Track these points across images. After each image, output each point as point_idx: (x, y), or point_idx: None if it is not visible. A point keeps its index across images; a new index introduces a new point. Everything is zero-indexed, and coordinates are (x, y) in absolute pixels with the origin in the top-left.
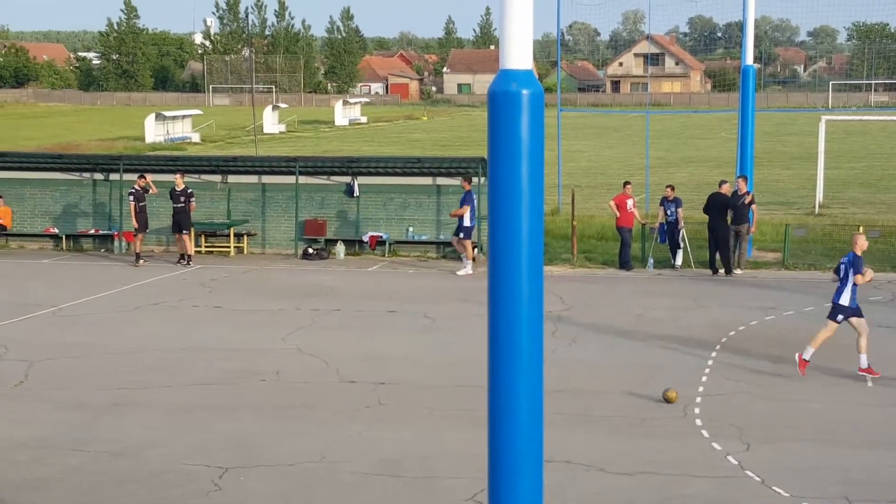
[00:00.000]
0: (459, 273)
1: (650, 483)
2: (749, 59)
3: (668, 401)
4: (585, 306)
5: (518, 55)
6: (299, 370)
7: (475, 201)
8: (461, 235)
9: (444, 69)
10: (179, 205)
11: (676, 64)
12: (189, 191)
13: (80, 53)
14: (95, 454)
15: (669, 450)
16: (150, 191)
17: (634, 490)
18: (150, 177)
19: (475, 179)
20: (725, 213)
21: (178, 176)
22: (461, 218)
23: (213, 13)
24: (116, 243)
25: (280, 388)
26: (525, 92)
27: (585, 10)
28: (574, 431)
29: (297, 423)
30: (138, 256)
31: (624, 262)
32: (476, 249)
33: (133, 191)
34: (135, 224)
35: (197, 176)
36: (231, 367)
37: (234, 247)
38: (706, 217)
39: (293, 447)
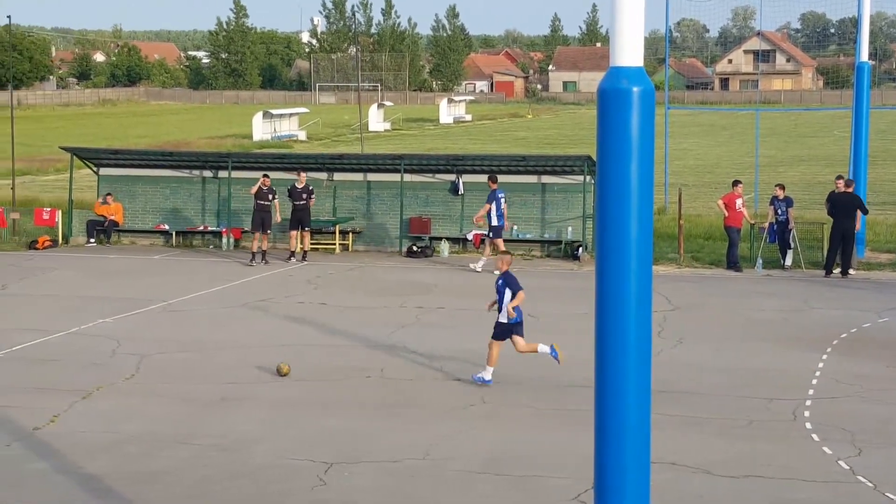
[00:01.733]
0: (475, 267)
1: (758, 487)
2: (864, 55)
3: (279, 373)
4: (692, 307)
5: (629, 52)
6: (403, 367)
7: (500, 200)
8: (490, 235)
9: (550, 67)
10: (301, 202)
11: (787, 61)
12: (310, 188)
13: (190, 52)
14: (203, 448)
15: (778, 453)
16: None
17: (741, 493)
18: (253, 174)
19: (581, 178)
20: (852, 211)
21: (300, 174)
22: (489, 217)
23: (320, 12)
24: (225, 240)
25: (384, 384)
26: (636, 89)
27: (694, 6)
28: (680, 433)
29: (401, 420)
30: (254, 256)
31: (732, 263)
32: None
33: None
34: (277, 220)
35: (304, 173)
36: (336, 363)
37: (340, 244)
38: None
39: (397, 444)
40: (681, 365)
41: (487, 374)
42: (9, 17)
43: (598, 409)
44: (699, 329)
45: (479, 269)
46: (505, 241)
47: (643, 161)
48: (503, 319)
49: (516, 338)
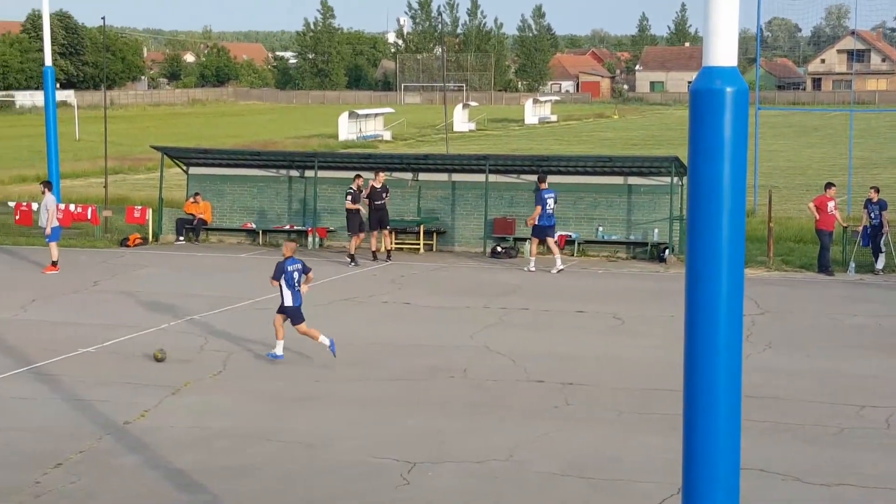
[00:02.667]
0: (528, 268)
1: (850, 496)
2: None
3: (156, 359)
4: (781, 311)
5: (723, 52)
6: (487, 368)
7: (548, 201)
8: (532, 234)
9: (637, 67)
10: (380, 202)
11: (883, 61)
12: (388, 187)
13: (277, 53)
14: (288, 444)
15: (871, 462)
16: (365, 193)
17: (832, 502)
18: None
19: (668, 179)
20: None
21: (378, 174)
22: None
23: (406, 12)
24: (310, 239)
25: (468, 385)
26: (729, 90)
27: (786, 5)
28: (769, 439)
29: (485, 421)
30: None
31: (823, 266)
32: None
33: (350, 191)
34: (364, 218)
35: (388, 173)
36: (420, 363)
37: (424, 244)
38: None
39: (481, 444)
40: (770, 370)
41: (325, 340)
42: (103, 18)
43: (688, 413)
44: (789, 334)
45: (561, 268)
46: (591, 242)
47: (736, 163)
48: (293, 303)
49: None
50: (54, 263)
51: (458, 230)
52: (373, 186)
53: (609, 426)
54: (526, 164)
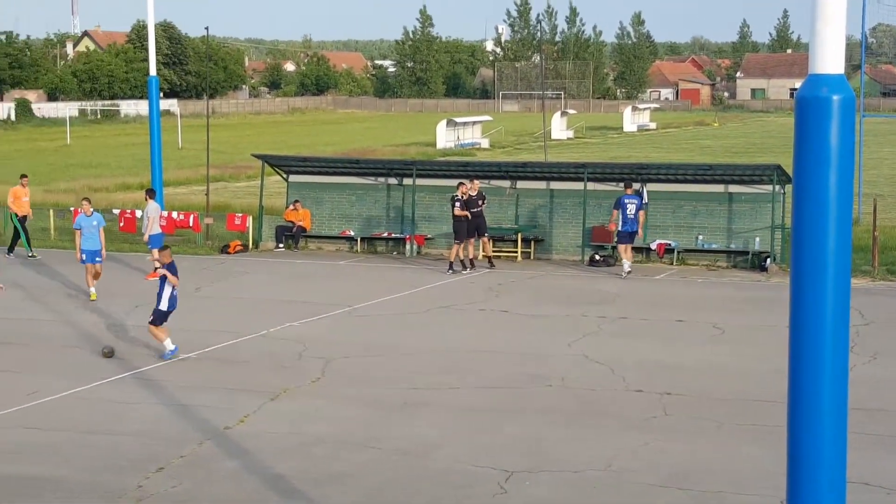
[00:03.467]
0: (624, 275)
1: None
2: None
3: (104, 356)
4: (887, 321)
5: (830, 59)
6: (585, 377)
7: (624, 206)
8: (617, 240)
9: (738, 74)
10: (477, 209)
11: None
12: (484, 194)
13: (376, 61)
14: (386, 451)
15: None
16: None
17: None
18: (436, 182)
19: (770, 188)
20: None
21: (473, 181)
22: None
23: (505, 21)
24: (408, 246)
25: (566, 393)
26: (836, 97)
27: (891, 11)
28: (874, 452)
29: (583, 430)
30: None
31: None
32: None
33: (457, 198)
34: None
35: (486, 181)
36: (518, 371)
37: (522, 252)
38: None
39: (578, 454)
40: (875, 381)
41: (170, 346)
42: (206, 28)
43: (792, 425)
44: (895, 344)
45: (629, 271)
46: (690, 251)
47: (842, 171)
48: (164, 308)
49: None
50: (156, 269)
51: (556, 238)
52: (469, 194)
53: (709, 437)
54: (625, 172)
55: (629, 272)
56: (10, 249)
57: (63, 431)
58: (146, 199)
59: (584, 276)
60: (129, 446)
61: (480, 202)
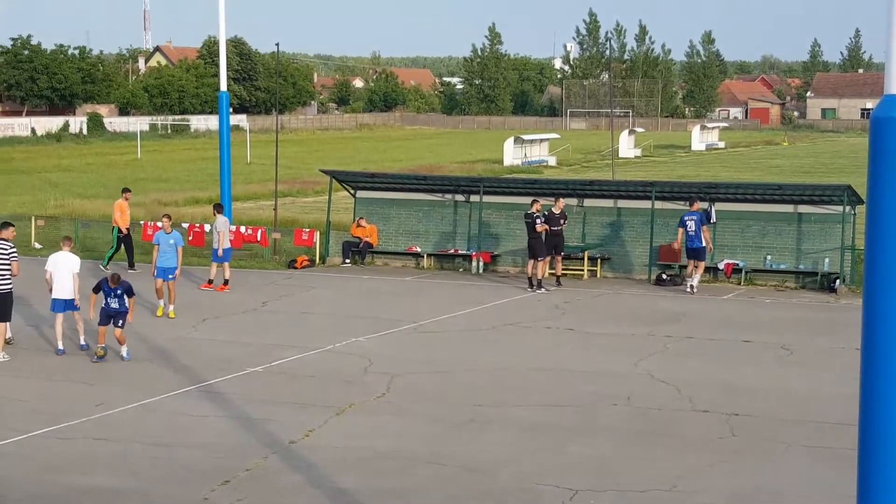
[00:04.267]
0: (690, 290)
1: None
2: None
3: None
4: None
5: None
6: (651, 396)
7: (685, 224)
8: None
9: (808, 93)
10: (557, 227)
11: None
12: (566, 213)
13: (444, 78)
14: (450, 468)
15: None
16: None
17: None
18: (503, 199)
19: (840, 208)
20: None
21: (558, 200)
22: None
23: (574, 38)
24: (474, 263)
25: (632, 413)
26: None
27: None
28: None
29: (649, 450)
30: (531, 282)
31: None
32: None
33: (538, 215)
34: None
35: (552, 199)
36: (583, 389)
37: (588, 270)
38: None
39: (644, 474)
40: None
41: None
42: (276, 44)
43: (863, 449)
44: None
45: (695, 287)
46: (758, 271)
47: None
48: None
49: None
50: (226, 282)
51: (623, 257)
52: (551, 211)
53: (776, 459)
54: (693, 191)
55: (692, 288)
56: (131, 265)
57: (130, 443)
58: (215, 214)
59: (651, 295)
60: (196, 459)
61: (562, 221)
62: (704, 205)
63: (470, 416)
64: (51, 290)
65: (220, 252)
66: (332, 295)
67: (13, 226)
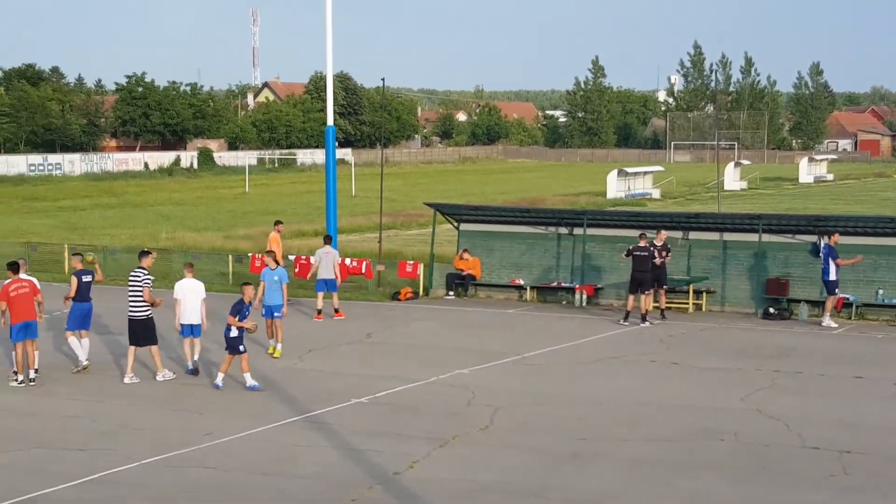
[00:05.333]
0: (827, 324)
1: None
2: None
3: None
4: None
5: None
6: (759, 432)
7: (824, 255)
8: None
9: None
10: (660, 260)
11: None
12: (669, 246)
13: (547, 111)
14: (555, 502)
15: None
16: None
17: None
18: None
19: None
20: None
21: (660, 232)
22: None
23: (678, 71)
24: (577, 296)
25: (739, 449)
26: None
27: None
28: None
29: (758, 487)
30: (628, 315)
31: None
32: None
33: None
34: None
35: (655, 231)
36: (689, 424)
37: (693, 303)
38: None
39: None
40: None
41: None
42: (382, 79)
43: None
44: None
45: (833, 326)
46: (870, 305)
47: None
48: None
49: (228, 353)
50: (336, 310)
51: (729, 290)
52: (654, 244)
53: (890, 498)
54: (801, 224)
55: (828, 327)
56: None
57: (238, 472)
58: (324, 245)
59: (758, 330)
60: (301, 489)
61: (665, 253)
62: (837, 237)
63: (574, 449)
64: (177, 317)
65: (339, 282)
66: (435, 327)
67: (151, 254)
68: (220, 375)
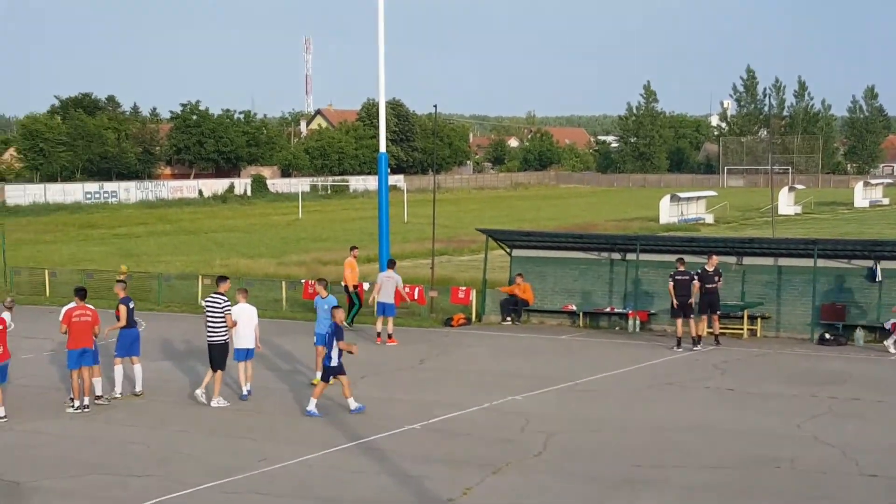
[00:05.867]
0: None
1: None
2: None
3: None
4: None
5: None
6: (815, 459)
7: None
8: None
9: None
10: (712, 285)
11: None
12: (720, 270)
13: (599, 137)
14: None
15: None
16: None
17: None
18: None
19: None
20: None
21: (711, 257)
22: None
23: (731, 95)
24: (630, 322)
25: (796, 476)
26: None
27: None
28: None
29: None
30: (679, 342)
31: None
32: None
33: (697, 273)
34: (675, 304)
35: (707, 257)
36: (745, 450)
37: (748, 329)
38: None
39: None
40: None
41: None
42: (434, 106)
43: None
44: None
45: (892, 351)
46: None
47: None
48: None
49: (341, 377)
50: (390, 336)
51: (784, 316)
52: (705, 269)
53: None
54: (857, 249)
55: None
56: (351, 320)
57: (291, 498)
58: (388, 269)
59: (814, 356)
60: None
61: (717, 278)
62: None
63: (628, 475)
64: (231, 342)
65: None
66: (488, 353)
67: (228, 279)
68: (313, 401)
